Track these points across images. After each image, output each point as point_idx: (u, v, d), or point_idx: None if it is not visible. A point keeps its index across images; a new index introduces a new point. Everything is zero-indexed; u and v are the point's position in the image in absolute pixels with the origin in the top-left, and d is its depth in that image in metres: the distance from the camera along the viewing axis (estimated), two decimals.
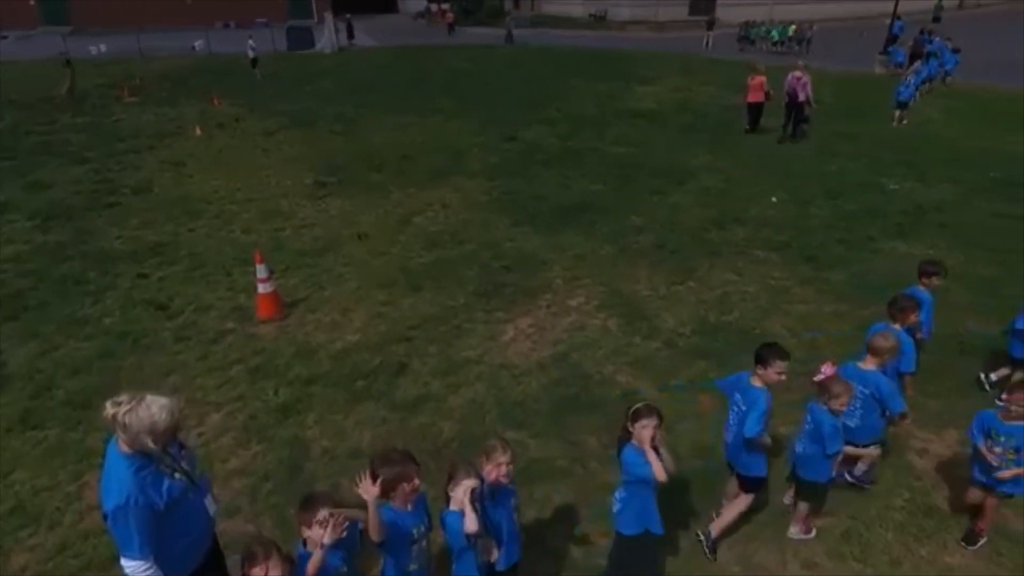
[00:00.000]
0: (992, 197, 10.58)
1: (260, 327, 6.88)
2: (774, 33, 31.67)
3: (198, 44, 28.68)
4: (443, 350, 6.47)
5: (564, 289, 7.67)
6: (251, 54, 22.65)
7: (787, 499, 4.53)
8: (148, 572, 2.83)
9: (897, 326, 4.59)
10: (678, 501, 4.55)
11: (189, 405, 5.69)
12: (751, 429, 3.75)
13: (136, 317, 7.09)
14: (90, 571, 4.18)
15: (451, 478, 3.28)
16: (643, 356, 6.35)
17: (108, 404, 2.74)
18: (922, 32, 26.21)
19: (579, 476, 4.87)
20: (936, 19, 36.93)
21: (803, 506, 4.26)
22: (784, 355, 3.81)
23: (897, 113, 15.49)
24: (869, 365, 4.28)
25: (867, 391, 4.21)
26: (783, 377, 3.82)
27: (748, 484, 4.11)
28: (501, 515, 3.36)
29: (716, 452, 5.04)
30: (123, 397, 2.76)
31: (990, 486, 4.10)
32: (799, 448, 4.11)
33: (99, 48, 27.49)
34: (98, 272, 8.05)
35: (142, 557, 2.80)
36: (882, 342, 4.26)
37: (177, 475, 2.95)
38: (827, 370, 3.91)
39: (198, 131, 14.53)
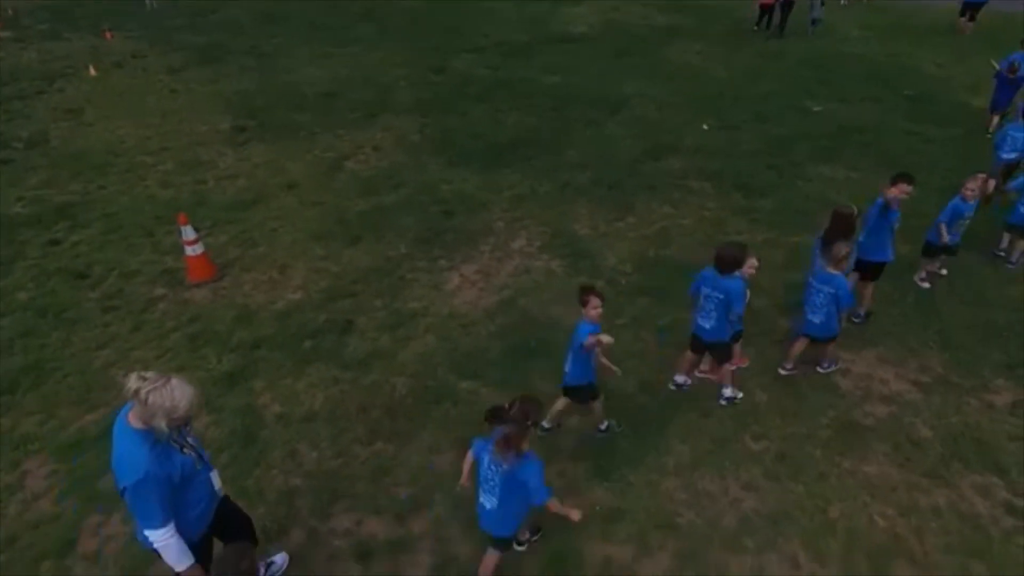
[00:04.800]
0: (906, 116, 11.08)
1: (193, 291, 6.59)
2: None
3: None
4: (389, 303, 6.41)
5: (506, 231, 7.66)
6: None
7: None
8: (171, 539, 3.00)
9: None
10: (628, 434, 4.83)
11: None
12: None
13: (54, 288, 6.63)
14: (46, 560, 4.09)
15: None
16: None
17: (133, 377, 2.84)
18: None
19: None
20: None
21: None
22: (910, 178, 5.66)
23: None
24: None
25: None
26: (903, 195, 5.61)
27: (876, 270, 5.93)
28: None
29: (661, 390, 5.36)
30: (150, 374, 2.87)
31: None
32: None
33: None
34: (2, 241, 7.42)
35: (164, 526, 2.96)
36: None
37: (186, 451, 3.10)
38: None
39: (92, 71, 13.16)
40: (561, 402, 4.76)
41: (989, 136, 9.96)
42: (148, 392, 2.78)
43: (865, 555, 4.09)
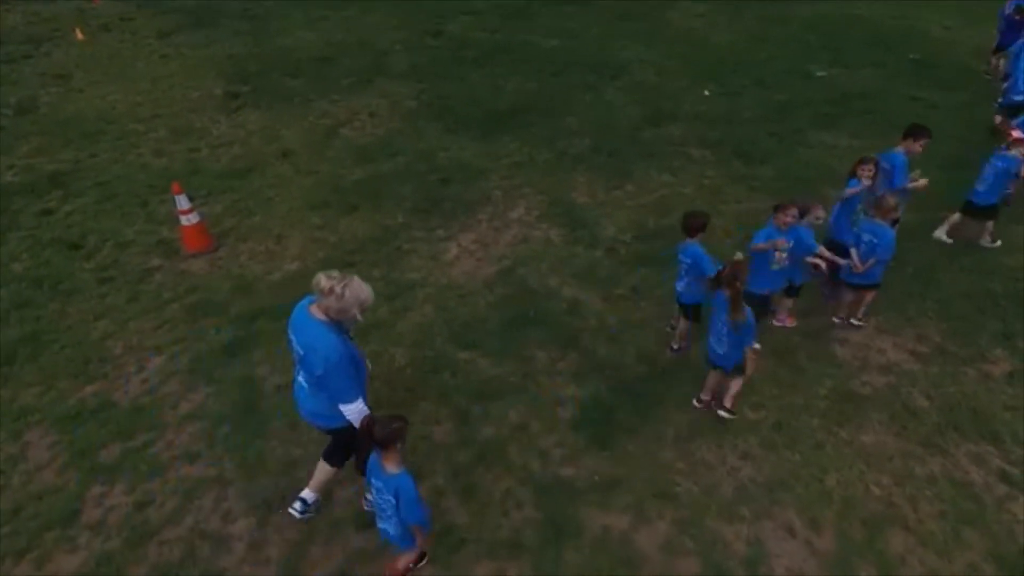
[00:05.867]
0: (910, 81, 10.87)
1: (190, 262, 6.54)
2: None
3: None
4: (387, 274, 6.37)
5: (504, 200, 7.57)
6: None
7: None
8: (364, 410, 3.44)
9: None
10: (627, 404, 4.86)
11: (127, 351, 5.49)
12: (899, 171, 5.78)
13: (48, 259, 6.58)
14: (51, 530, 4.14)
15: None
16: (586, 266, 6.46)
17: (322, 277, 3.30)
18: None
19: (531, 392, 5.07)
20: None
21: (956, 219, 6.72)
22: (928, 133, 5.78)
23: None
24: None
25: None
26: (919, 150, 5.78)
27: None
28: None
29: (660, 360, 5.37)
30: (334, 273, 3.32)
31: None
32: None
33: None
34: None
35: (357, 399, 3.42)
36: None
37: (351, 342, 3.56)
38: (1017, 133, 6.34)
39: (79, 35, 12.84)
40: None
41: (988, 76, 10.32)
42: (344, 287, 3.24)
43: (860, 522, 4.14)
